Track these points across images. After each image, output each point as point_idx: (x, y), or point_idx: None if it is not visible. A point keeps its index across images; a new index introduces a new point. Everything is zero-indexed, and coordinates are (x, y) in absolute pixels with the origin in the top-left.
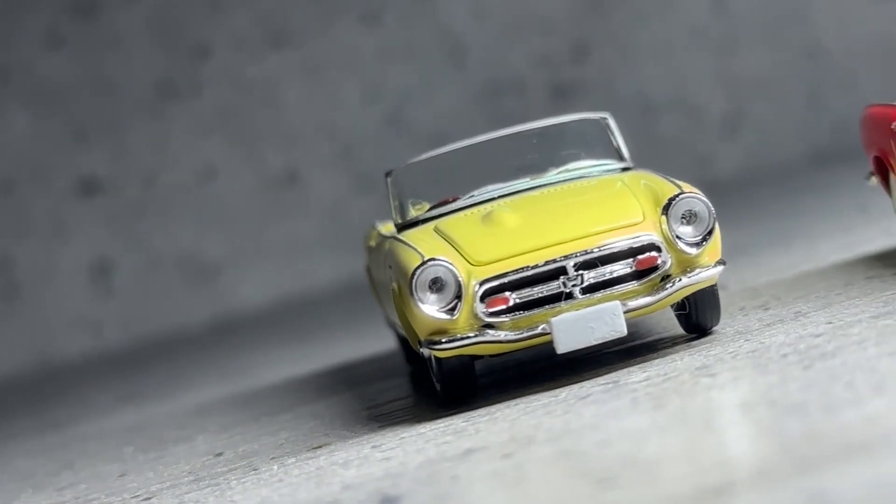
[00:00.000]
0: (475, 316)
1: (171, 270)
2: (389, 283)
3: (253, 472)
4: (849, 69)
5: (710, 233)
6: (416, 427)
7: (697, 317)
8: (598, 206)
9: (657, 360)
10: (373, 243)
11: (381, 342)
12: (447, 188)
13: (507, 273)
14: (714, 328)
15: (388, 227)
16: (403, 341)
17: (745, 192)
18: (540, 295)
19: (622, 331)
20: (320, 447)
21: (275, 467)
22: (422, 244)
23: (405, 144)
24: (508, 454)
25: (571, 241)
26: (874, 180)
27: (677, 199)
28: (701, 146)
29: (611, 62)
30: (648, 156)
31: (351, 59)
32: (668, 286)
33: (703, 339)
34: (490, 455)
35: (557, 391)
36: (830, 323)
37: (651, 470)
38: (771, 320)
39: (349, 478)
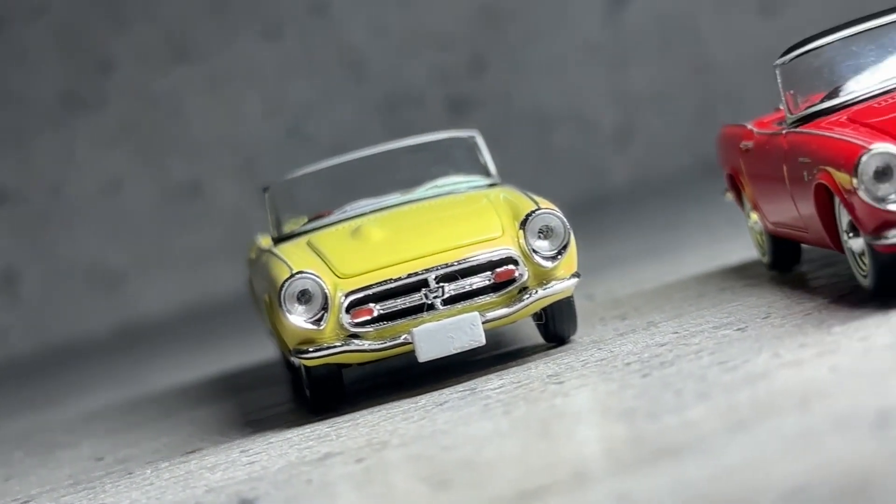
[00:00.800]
0: (341, 326)
1: (76, 279)
2: (263, 294)
3: (128, 475)
4: (736, 83)
5: (564, 247)
6: (285, 432)
7: (555, 327)
8: (460, 221)
9: (514, 369)
10: (253, 256)
11: (270, 351)
12: (324, 202)
13: (372, 285)
14: (572, 337)
15: (266, 241)
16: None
17: (633, 203)
18: (403, 306)
19: (481, 340)
20: (194, 452)
21: (148, 471)
22: (293, 257)
23: (306, 157)
24: (362, 458)
25: (433, 254)
26: (729, 196)
27: (534, 214)
28: (594, 159)
29: (506, 76)
30: (543, 168)
31: (253, 73)
32: (524, 298)
33: (560, 349)
34: (345, 459)
35: (418, 398)
36: (676, 333)
37: (484, 473)
38: (625, 330)
39: (214, 481)
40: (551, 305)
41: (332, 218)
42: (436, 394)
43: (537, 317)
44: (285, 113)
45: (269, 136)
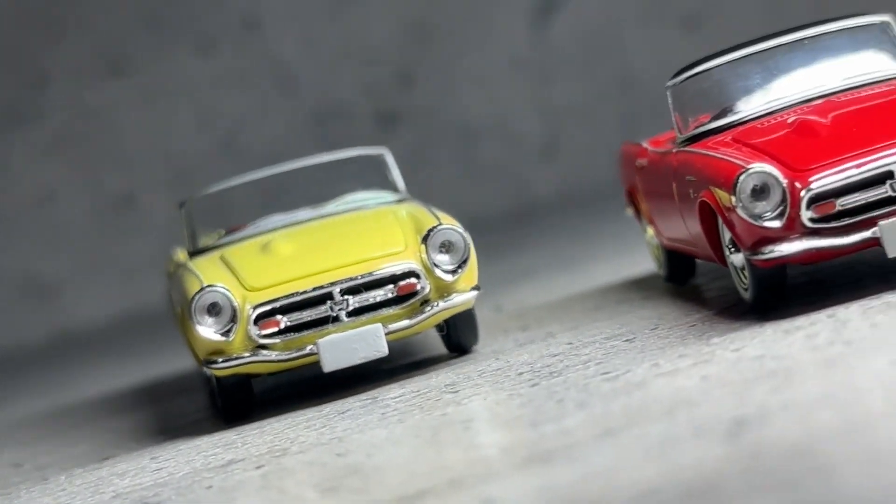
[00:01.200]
0: (249, 338)
1: (10, 289)
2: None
3: (43, 482)
4: (660, 97)
5: (465, 261)
6: (195, 440)
7: (457, 337)
8: (365, 236)
9: (415, 378)
10: (171, 269)
11: (191, 361)
12: (240, 217)
13: (279, 298)
14: (474, 348)
15: (183, 255)
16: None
17: (556, 216)
18: (309, 318)
19: (384, 351)
20: (108, 458)
21: (63, 477)
22: (205, 271)
23: (238, 169)
24: (261, 465)
25: (338, 268)
26: (629, 212)
27: (435, 230)
28: (520, 171)
29: (434, 90)
30: (470, 180)
31: (186, 86)
32: (426, 310)
33: (461, 359)
34: (246, 466)
35: (323, 406)
36: (570, 343)
37: (371, 478)
38: (524, 341)
39: (122, 487)
40: (453, 317)
41: (246, 232)
42: (339, 402)
43: (440, 328)
44: (218, 126)
45: (203, 149)
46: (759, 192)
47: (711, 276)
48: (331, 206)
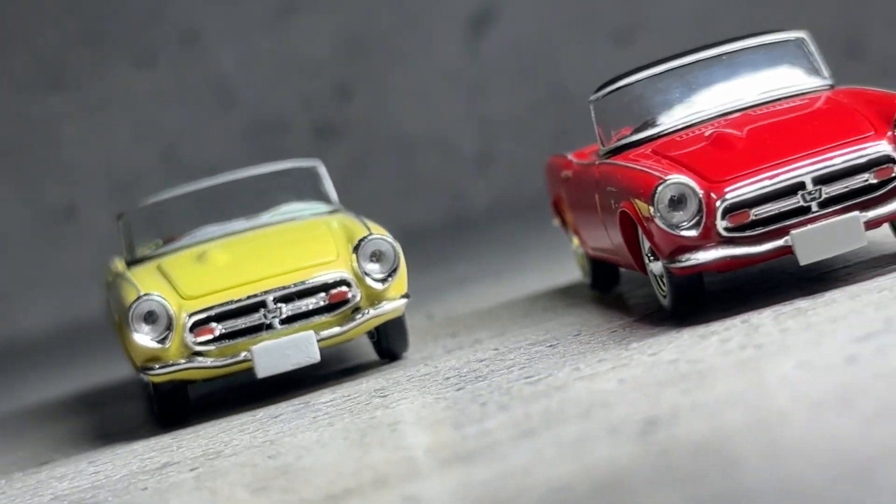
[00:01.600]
0: (185, 345)
1: None
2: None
3: None
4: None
5: (395, 270)
6: (132, 444)
7: (388, 344)
8: (297, 246)
9: (347, 383)
10: (109, 279)
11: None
12: (176, 228)
13: (214, 306)
14: (404, 354)
15: (121, 265)
16: None
17: (491, 226)
18: (243, 326)
19: (316, 357)
20: (47, 463)
21: (2, 481)
22: (142, 280)
23: (178, 182)
24: (195, 468)
25: (271, 277)
26: (556, 222)
27: (366, 239)
28: (455, 182)
29: (371, 103)
30: (407, 192)
31: (126, 100)
32: (357, 317)
33: (391, 365)
34: (180, 468)
35: (257, 411)
36: (496, 350)
37: (300, 479)
38: (453, 347)
39: (60, 489)
40: (384, 324)
41: (182, 242)
42: (273, 407)
43: (371, 335)
44: (158, 139)
45: (143, 161)
46: (677, 202)
47: (635, 284)
48: (265, 217)
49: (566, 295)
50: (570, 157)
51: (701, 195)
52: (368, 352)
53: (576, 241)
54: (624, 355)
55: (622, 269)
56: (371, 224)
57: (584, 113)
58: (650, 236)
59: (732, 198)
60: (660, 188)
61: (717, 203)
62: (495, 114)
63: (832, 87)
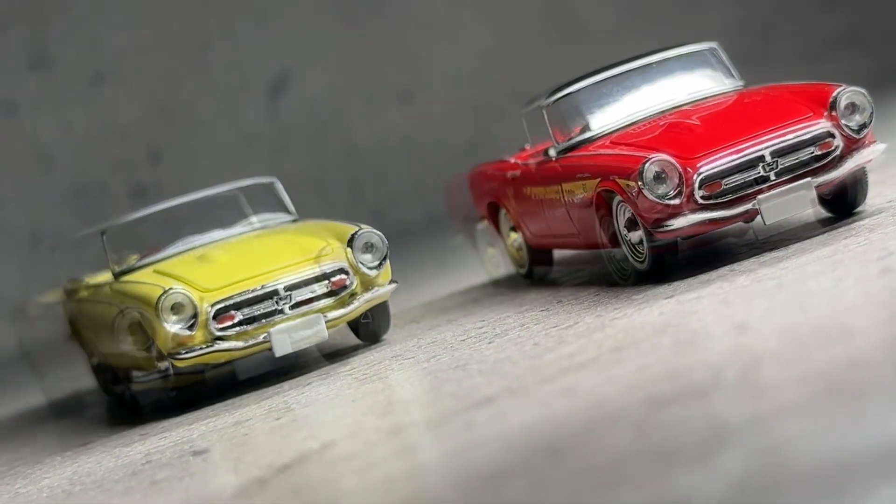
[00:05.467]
0: (209, 331)
1: None
2: (117, 320)
3: None
4: (380, 165)
5: (384, 258)
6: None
7: (374, 326)
8: (293, 243)
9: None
10: (84, 293)
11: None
12: (150, 242)
13: (233, 296)
14: (384, 337)
15: (101, 277)
16: (109, 373)
17: None
18: (258, 312)
19: (325, 336)
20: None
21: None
22: (156, 280)
23: (2, 246)
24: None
25: (280, 269)
26: (482, 225)
27: (359, 233)
28: None
29: (180, 164)
30: None
31: None
32: (355, 300)
33: (378, 345)
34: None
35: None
36: (483, 320)
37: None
38: (427, 328)
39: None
40: (372, 308)
41: (168, 252)
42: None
43: (365, 316)
44: None
45: None
46: (659, 177)
47: (565, 271)
48: (239, 227)
49: (504, 284)
50: (514, 160)
51: (680, 170)
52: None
53: (513, 235)
54: (637, 302)
55: (555, 260)
56: (351, 223)
57: (373, 167)
58: (635, 207)
59: (706, 171)
60: (646, 165)
61: (694, 176)
62: (294, 170)
63: (744, 87)
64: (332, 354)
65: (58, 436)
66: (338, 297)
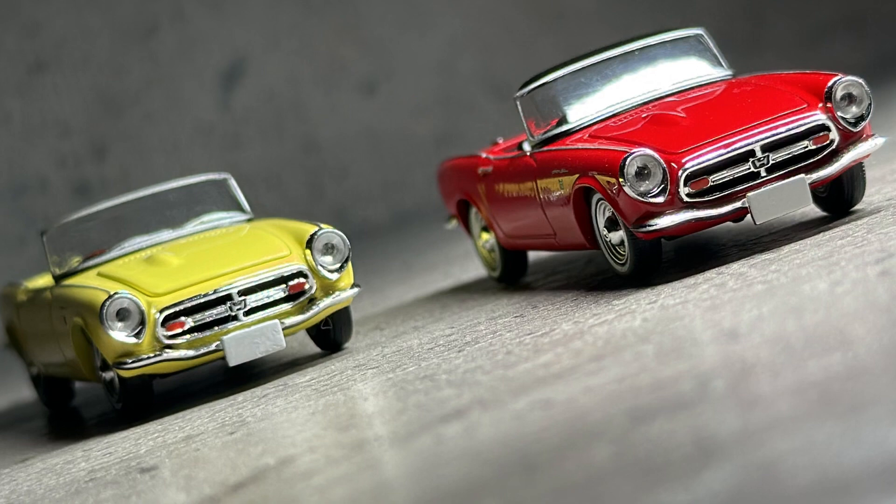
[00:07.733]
0: (157, 339)
1: None
2: (57, 326)
3: None
4: (342, 159)
5: (346, 260)
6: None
7: (336, 334)
8: (248, 244)
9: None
10: (23, 298)
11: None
12: (94, 244)
13: (183, 301)
14: (346, 345)
15: (42, 280)
16: (49, 384)
17: None
18: (211, 318)
19: (282, 344)
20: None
21: None
22: (100, 284)
23: None
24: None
25: (234, 272)
26: (454, 223)
27: (318, 233)
28: None
29: (126, 159)
30: None
31: None
32: (315, 306)
33: (339, 354)
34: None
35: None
36: (452, 327)
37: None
38: (391, 335)
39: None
40: (333, 314)
41: (112, 254)
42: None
43: (325, 323)
44: None
45: None
46: (642, 173)
47: (540, 274)
48: (189, 227)
49: (476, 288)
50: (486, 154)
51: (664, 165)
52: (302, 349)
53: (485, 236)
54: (618, 307)
55: (529, 262)
56: (311, 222)
57: (334, 159)
58: (616, 205)
59: (692, 166)
60: (627, 160)
61: (679, 172)
62: (249, 166)
63: (734, 76)
64: (289, 364)
65: None
66: (296, 302)
